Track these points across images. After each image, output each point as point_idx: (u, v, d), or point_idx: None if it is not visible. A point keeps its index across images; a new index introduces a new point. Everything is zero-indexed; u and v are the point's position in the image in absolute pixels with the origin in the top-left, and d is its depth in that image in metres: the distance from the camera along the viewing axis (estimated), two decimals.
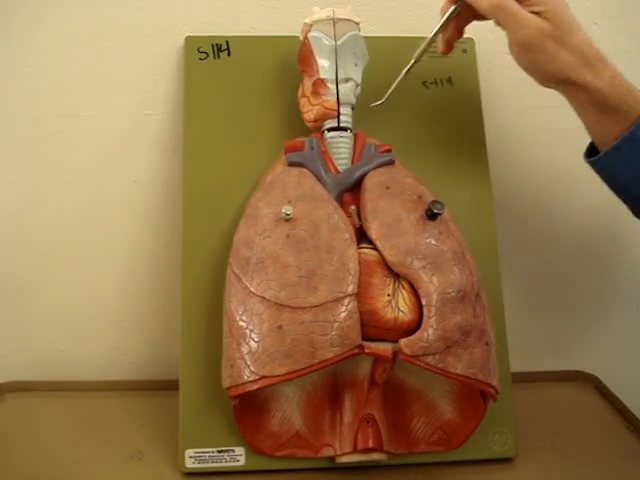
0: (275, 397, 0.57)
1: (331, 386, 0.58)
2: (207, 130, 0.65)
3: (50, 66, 0.68)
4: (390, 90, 0.61)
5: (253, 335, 0.53)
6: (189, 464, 0.58)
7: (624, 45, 0.74)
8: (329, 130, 0.60)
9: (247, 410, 0.56)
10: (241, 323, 0.54)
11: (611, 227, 0.77)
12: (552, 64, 0.54)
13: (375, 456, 0.57)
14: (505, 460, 0.62)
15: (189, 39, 0.67)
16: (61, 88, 0.69)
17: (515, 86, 0.71)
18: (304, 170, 0.58)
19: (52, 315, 0.73)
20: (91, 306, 0.73)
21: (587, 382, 0.76)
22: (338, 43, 0.60)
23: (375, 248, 0.55)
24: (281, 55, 0.66)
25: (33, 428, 0.64)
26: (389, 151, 0.61)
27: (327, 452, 0.57)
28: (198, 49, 0.67)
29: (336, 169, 0.59)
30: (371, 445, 0.56)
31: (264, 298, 0.53)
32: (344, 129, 0.60)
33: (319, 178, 0.58)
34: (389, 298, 0.54)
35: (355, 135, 0.61)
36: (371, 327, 0.53)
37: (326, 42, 0.60)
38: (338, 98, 0.60)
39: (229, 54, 0.67)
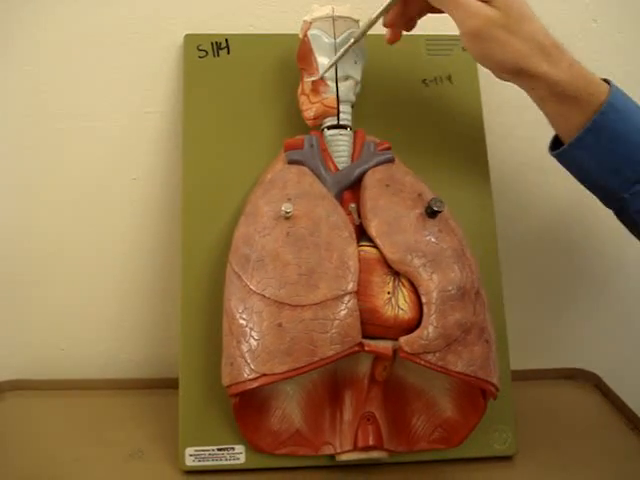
0: (275, 395, 0.57)
1: (331, 384, 0.58)
2: (207, 128, 0.65)
3: (50, 65, 0.68)
4: (327, 67, 0.59)
5: (253, 333, 0.53)
6: (189, 462, 0.58)
7: (623, 43, 0.74)
8: (329, 128, 0.60)
9: (247, 408, 0.56)
10: (241, 321, 0.54)
11: (613, 224, 0.77)
12: (504, 54, 0.52)
13: (375, 454, 0.57)
14: (505, 458, 0.62)
15: (188, 37, 0.67)
16: (61, 87, 0.69)
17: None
18: (304, 168, 0.58)
19: (52, 314, 0.73)
20: (91, 304, 0.73)
21: (587, 380, 0.76)
22: (338, 41, 0.60)
23: (375, 246, 0.55)
24: (281, 53, 0.66)
25: (33, 427, 0.64)
26: (389, 149, 0.60)
27: (327, 450, 0.57)
28: (197, 47, 0.66)
29: (336, 167, 0.59)
30: (371, 443, 0.56)
31: (264, 296, 0.53)
32: (344, 127, 0.60)
33: (319, 176, 0.58)
34: (389, 296, 0.54)
35: (355, 133, 0.61)
36: (371, 325, 0.53)
37: (326, 40, 0.60)
38: (338, 96, 0.60)
39: (229, 52, 0.67)
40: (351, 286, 0.53)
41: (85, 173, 0.70)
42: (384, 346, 0.53)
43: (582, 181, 0.57)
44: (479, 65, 0.68)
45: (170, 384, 0.64)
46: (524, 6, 0.53)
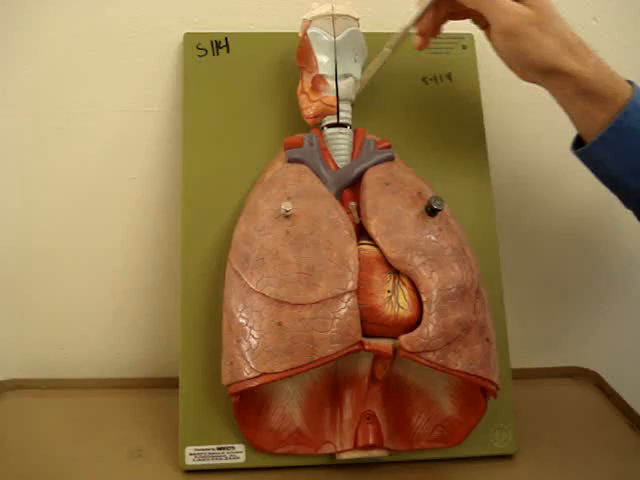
0: (275, 394, 0.57)
1: (331, 383, 0.58)
2: (206, 127, 0.64)
3: (49, 64, 0.68)
4: (364, 82, 0.61)
5: (253, 332, 0.53)
6: (189, 461, 0.58)
7: (623, 41, 0.74)
8: (328, 126, 0.60)
9: (247, 407, 0.56)
10: (241, 320, 0.53)
11: (614, 223, 0.77)
12: (537, 51, 0.53)
13: (375, 453, 0.56)
14: (505, 456, 0.62)
15: (188, 36, 0.67)
16: (60, 86, 0.69)
17: (515, 82, 0.71)
18: (303, 166, 0.58)
19: (52, 313, 0.73)
20: (90, 304, 0.73)
21: (587, 379, 0.76)
22: (337, 39, 0.60)
23: (375, 244, 0.55)
24: (280, 51, 0.66)
25: (33, 426, 0.64)
26: (389, 147, 0.60)
27: (327, 449, 0.57)
28: (197, 46, 0.66)
29: (336, 165, 0.59)
30: (371, 442, 0.56)
31: (264, 295, 0.53)
32: (343, 125, 0.60)
33: (318, 175, 0.58)
34: (389, 294, 0.54)
35: (355, 131, 0.61)
36: (371, 324, 0.53)
37: (325, 38, 0.60)
38: (337, 94, 0.60)
39: (228, 51, 0.67)
40: (351, 285, 0.53)
41: (84, 172, 0.70)
42: (384, 345, 0.53)
43: (603, 180, 0.57)
44: (479, 63, 0.69)
45: (170, 383, 0.64)
46: (553, 5, 0.54)
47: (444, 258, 0.55)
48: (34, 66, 0.68)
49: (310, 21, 0.61)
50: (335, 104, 0.60)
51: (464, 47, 0.69)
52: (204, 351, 0.60)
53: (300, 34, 0.62)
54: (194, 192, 0.63)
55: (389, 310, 0.53)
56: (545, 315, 0.79)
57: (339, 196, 0.58)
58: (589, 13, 0.72)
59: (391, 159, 0.60)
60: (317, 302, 0.52)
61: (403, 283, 0.54)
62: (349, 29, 0.60)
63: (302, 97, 0.61)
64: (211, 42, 0.67)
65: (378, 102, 0.66)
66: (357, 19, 0.61)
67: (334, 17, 0.60)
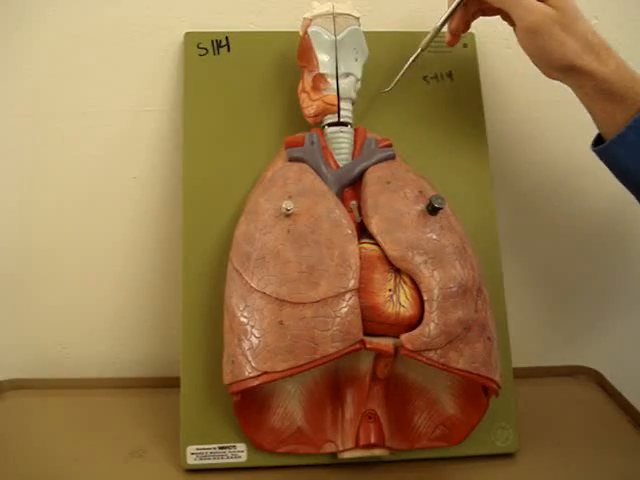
0: (276, 393, 0.57)
1: (332, 382, 0.58)
2: (207, 126, 0.64)
3: (50, 63, 0.68)
4: (398, 77, 0.63)
5: (254, 331, 0.53)
6: (191, 461, 0.58)
7: (625, 39, 0.73)
8: (329, 125, 0.60)
9: (248, 406, 0.56)
10: (242, 319, 0.53)
11: (615, 221, 0.77)
12: (559, 50, 0.54)
13: (377, 452, 0.56)
14: (507, 455, 0.62)
15: (188, 35, 0.67)
16: (61, 85, 0.69)
17: (516, 80, 0.71)
18: (304, 165, 0.58)
19: (53, 313, 0.73)
20: (91, 303, 0.73)
21: (589, 377, 0.76)
22: (338, 38, 0.60)
23: (376, 243, 0.55)
24: (281, 50, 0.66)
25: (34, 426, 0.64)
26: (390, 146, 0.60)
27: (329, 448, 0.57)
28: (198, 45, 0.66)
29: (337, 164, 0.59)
30: (373, 441, 0.55)
31: (265, 294, 0.53)
32: (344, 124, 0.60)
33: (319, 173, 0.58)
34: (390, 293, 0.54)
35: (355, 130, 0.61)
36: (372, 322, 0.53)
37: (326, 37, 0.60)
38: (338, 93, 0.60)
39: (229, 50, 0.67)
40: (352, 283, 0.53)
41: (85, 172, 0.70)
42: (385, 343, 0.53)
43: (621, 179, 0.58)
44: (480, 62, 0.69)
45: (171, 383, 0.64)
46: (576, 6, 0.56)
47: (445, 257, 0.55)
48: (34, 66, 0.68)
49: (311, 20, 0.61)
50: (336, 103, 0.60)
51: (465, 45, 0.69)
52: (205, 350, 0.60)
53: (301, 33, 0.62)
54: (195, 191, 0.63)
55: (390, 309, 0.53)
56: (546, 314, 0.79)
57: (340, 195, 0.58)
58: (590, 11, 0.71)
59: (392, 158, 0.60)
60: (318, 301, 0.52)
61: (404, 282, 0.54)
62: (350, 28, 0.60)
63: (303, 96, 0.61)
64: (212, 41, 0.67)
65: (379, 101, 0.66)
66: (358, 18, 0.61)
67: (335, 16, 0.60)
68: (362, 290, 0.53)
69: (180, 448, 0.58)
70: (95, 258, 0.72)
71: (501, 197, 0.71)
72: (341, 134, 0.60)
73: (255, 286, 0.53)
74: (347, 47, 0.60)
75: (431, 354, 0.53)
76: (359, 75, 0.61)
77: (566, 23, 0.54)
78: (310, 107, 0.60)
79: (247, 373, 0.52)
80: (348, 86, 0.60)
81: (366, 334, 0.53)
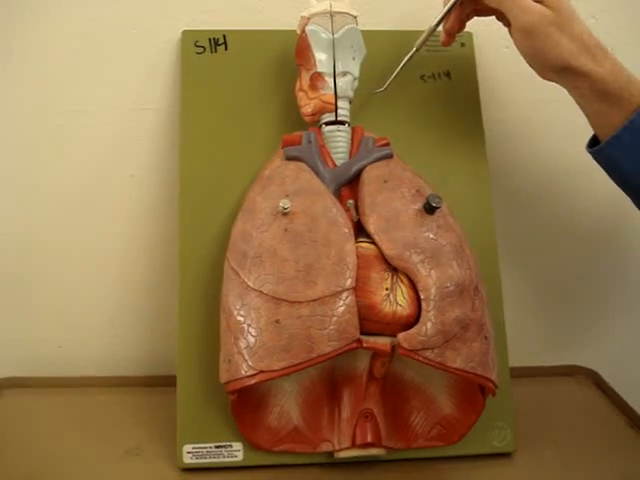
0: (273, 392, 0.57)
1: (329, 381, 0.58)
2: (204, 124, 0.64)
3: (47, 62, 0.68)
4: (392, 77, 0.63)
5: (251, 330, 0.53)
6: (187, 459, 0.58)
7: (622, 39, 0.73)
8: (327, 124, 0.60)
9: (245, 405, 0.56)
10: (239, 318, 0.53)
11: (612, 221, 0.77)
12: (554, 51, 0.55)
13: (374, 451, 0.56)
14: (504, 455, 0.62)
15: (186, 33, 0.67)
16: (58, 83, 0.68)
17: (513, 80, 0.71)
18: (301, 164, 0.58)
19: (49, 311, 0.72)
20: (88, 302, 0.72)
21: (586, 377, 0.76)
22: (336, 36, 0.60)
23: (373, 242, 0.55)
24: (278, 49, 0.66)
25: (31, 424, 0.64)
26: (387, 145, 0.60)
27: (325, 447, 0.57)
28: (195, 43, 0.66)
29: (334, 163, 0.59)
30: (369, 440, 0.55)
31: (262, 292, 0.53)
32: (342, 123, 0.60)
33: (317, 172, 0.58)
34: (387, 292, 0.54)
35: (353, 129, 0.61)
36: (369, 321, 0.53)
37: (324, 35, 0.60)
38: (336, 92, 0.60)
39: (226, 48, 0.67)
40: (349, 282, 0.53)
41: (82, 169, 0.70)
42: (382, 342, 0.53)
43: (616, 180, 0.58)
44: (478, 61, 0.69)
45: (168, 381, 0.64)
46: (572, 8, 0.56)
47: (442, 256, 0.54)
48: (33, 65, 0.68)
49: (308, 18, 0.60)
50: (333, 102, 0.60)
51: (463, 45, 0.69)
52: (202, 349, 0.60)
53: (298, 31, 0.62)
54: (192, 189, 0.63)
55: (387, 308, 0.53)
56: (544, 313, 0.79)
57: (337, 194, 0.58)
58: (588, 11, 0.72)
59: (389, 156, 0.60)
60: (315, 300, 0.52)
61: (401, 281, 0.54)
62: (347, 26, 0.60)
63: (300, 95, 0.61)
64: (209, 40, 0.67)
65: (376, 100, 0.66)
66: (355, 16, 0.61)
67: (332, 14, 0.60)
68: (359, 289, 0.53)
69: (176, 447, 0.58)
70: (92, 256, 0.72)
71: (499, 196, 0.71)
72: (338, 133, 0.60)
73: (252, 285, 0.53)
74: (345, 46, 0.60)
75: (428, 353, 0.53)
76: (357, 74, 0.61)
77: (562, 24, 0.54)
78: (307, 106, 0.60)
79: (243, 372, 0.52)
80: (345, 85, 0.60)
81: (363, 333, 0.53)
